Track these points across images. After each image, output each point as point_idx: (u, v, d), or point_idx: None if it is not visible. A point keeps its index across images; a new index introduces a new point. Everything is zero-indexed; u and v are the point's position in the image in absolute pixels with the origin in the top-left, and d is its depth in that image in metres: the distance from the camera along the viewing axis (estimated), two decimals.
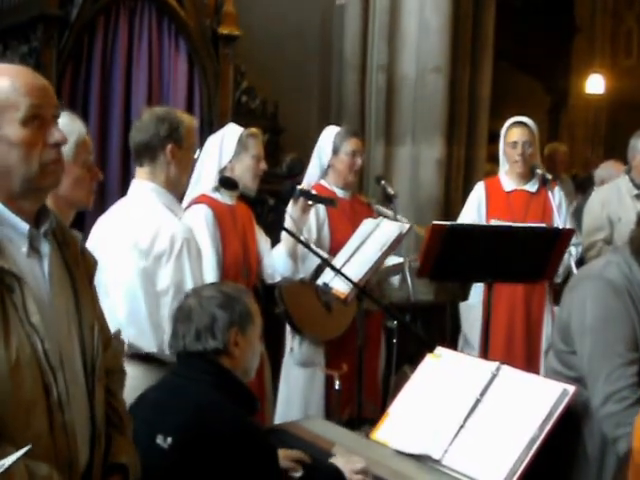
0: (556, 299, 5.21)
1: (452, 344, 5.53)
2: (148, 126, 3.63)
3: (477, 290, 5.38)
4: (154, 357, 3.47)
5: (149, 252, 3.44)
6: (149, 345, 3.45)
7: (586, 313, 3.02)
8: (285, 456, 2.96)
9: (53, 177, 2.13)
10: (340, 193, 5.04)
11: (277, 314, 4.75)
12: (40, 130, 2.07)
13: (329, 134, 5.06)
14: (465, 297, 5.56)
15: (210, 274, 4.12)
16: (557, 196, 5.32)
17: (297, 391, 4.92)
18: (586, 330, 3.01)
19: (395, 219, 4.93)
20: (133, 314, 3.45)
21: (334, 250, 4.75)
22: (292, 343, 4.95)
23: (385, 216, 4.94)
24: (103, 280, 3.49)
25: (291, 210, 4.39)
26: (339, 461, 2.91)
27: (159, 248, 3.44)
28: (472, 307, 5.44)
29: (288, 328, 4.93)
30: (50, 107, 2.12)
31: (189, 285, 3.44)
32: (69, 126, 2.97)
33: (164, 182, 3.63)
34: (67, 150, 2.93)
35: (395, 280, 5.04)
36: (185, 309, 2.93)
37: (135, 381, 3.14)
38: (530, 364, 5.07)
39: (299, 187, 4.39)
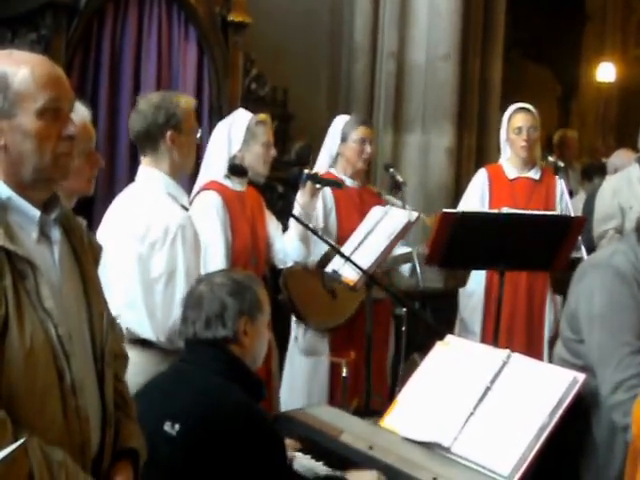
0: (556, 287, 5.22)
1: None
2: (145, 115, 3.63)
3: (476, 278, 5.37)
4: (151, 342, 3.48)
5: (144, 239, 3.45)
6: (146, 332, 3.46)
7: (594, 302, 3.01)
8: None
9: (64, 169, 2.14)
10: (349, 182, 5.02)
11: (280, 301, 4.73)
12: (55, 122, 2.08)
13: (339, 122, 5.05)
14: (464, 283, 5.55)
15: (219, 261, 4.13)
16: (559, 184, 5.30)
17: (301, 379, 4.91)
18: (594, 319, 3.00)
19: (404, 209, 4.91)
20: (131, 300, 3.46)
21: (341, 238, 4.75)
22: (296, 331, 4.94)
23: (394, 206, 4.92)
24: (107, 265, 3.51)
25: (299, 195, 4.40)
26: (351, 476, 2.90)
27: (153, 235, 3.45)
28: (471, 294, 5.44)
29: (293, 316, 4.93)
30: (66, 99, 2.14)
31: (181, 273, 3.44)
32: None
33: (169, 168, 3.63)
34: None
35: (405, 269, 5.01)
36: (196, 295, 2.93)
37: (135, 367, 3.15)
38: (532, 352, 5.05)
39: (306, 171, 4.39)
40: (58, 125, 2.09)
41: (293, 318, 4.93)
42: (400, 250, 4.81)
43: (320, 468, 3.01)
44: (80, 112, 3.10)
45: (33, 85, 2.05)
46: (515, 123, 5.33)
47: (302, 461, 3.02)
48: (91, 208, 4.87)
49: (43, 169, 2.08)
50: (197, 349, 2.90)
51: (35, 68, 2.08)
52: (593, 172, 7.74)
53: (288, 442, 3.05)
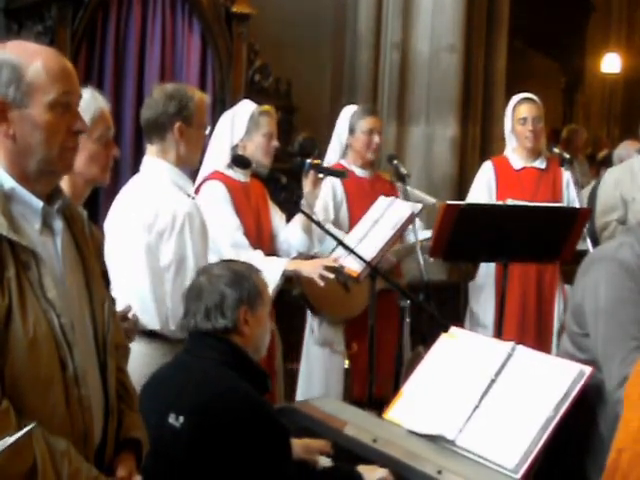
0: (566, 278, 5.21)
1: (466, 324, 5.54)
2: (157, 103, 3.63)
3: (485, 270, 5.38)
4: (158, 334, 3.48)
5: (152, 228, 3.45)
6: (152, 322, 3.46)
7: (599, 295, 2.99)
8: (308, 447, 2.98)
9: (68, 163, 2.16)
10: (359, 172, 5.02)
11: (294, 296, 4.74)
12: (64, 116, 2.10)
13: (346, 114, 5.04)
14: (473, 276, 5.55)
15: (239, 239, 4.17)
16: (566, 174, 5.30)
17: (318, 371, 4.93)
18: (600, 312, 2.98)
19: (420, 197, 4.93)
20: (137, 290, 3.46)
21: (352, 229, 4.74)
22: (312, 323, 4.95)
23: (412, 195, 4.91)
24: (112, 256, 3.50)
25: (303, 185, 4.40)
26: (361, 468, 2.89)
27: (161, 224, 3.45)
28: (482, 286, 5.44)
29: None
30: (76, 94, 2.16)
31: (191, 261, 3.45)
32: (88, 102, 2.97)
33: (174, 159, 3.63)
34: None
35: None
36: (195, 288, 2.94)
37: (141, 358, 3.16)
38: (542, 343, 5.07)
39: (309, 161, 4.39)
40: (67, 119, 2.10)
41: (308, 310, 4.94)
42: (422, 235, 4.79)
43: None
44: (99, 101, 3.12)
45: (46, 77, 2.06)
46: (520, 114, 5.34)
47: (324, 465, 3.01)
48: (96, 199, 4.89)
49: (49, 161, 2.09)
50: (200, 340, 2.91)
51: (48, 61, 2.09)
52: (611, 163, 7.71)
53: (320, 443, 3.04)
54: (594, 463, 3.00)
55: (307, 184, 4.39)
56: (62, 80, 2.09)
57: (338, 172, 4.66)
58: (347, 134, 5.00)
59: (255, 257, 4.00)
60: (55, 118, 2.07)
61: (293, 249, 4.50)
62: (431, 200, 4.80)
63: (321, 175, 4.42)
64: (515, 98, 5.42)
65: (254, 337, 2.93)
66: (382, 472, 2.85)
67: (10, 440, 1.79)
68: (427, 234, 4.84)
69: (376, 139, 4.97)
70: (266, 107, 4.46)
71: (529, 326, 5.29)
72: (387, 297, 4.65)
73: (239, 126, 4.36)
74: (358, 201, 4.91)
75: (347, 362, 4.50)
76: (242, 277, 2.93)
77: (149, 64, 5.51)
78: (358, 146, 4.98)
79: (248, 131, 4.35)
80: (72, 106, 2.12)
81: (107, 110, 3.17)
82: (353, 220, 4.85)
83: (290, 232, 4.47)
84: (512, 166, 5.43)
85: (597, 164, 8.29)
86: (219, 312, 2.87)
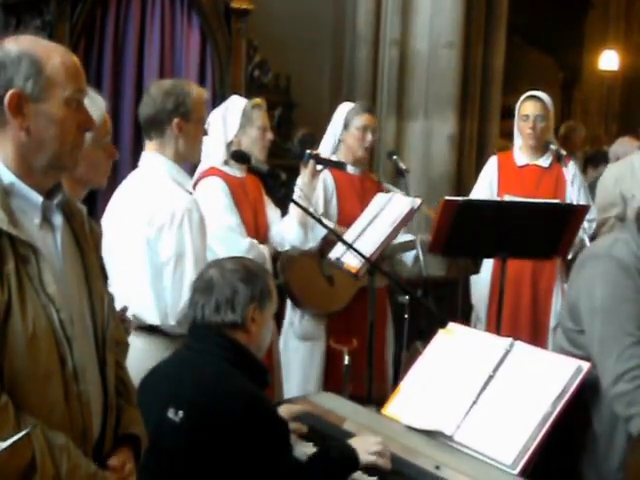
0: (568, 275, 5.22)
1: (464, 320, 5.54)
2: (155, 100, 3.62)
3: (485, 264, 5.39)
4: (157, 329, 3.49)
5: (151, 223, 3.45)
6: (152, 317, 3.46)
7: (595, 292, 2.99)
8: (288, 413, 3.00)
9: (76, 160, 2.18)
10: (350, 169, 5.00)
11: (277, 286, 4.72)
12: (76, 113, 2.12)
13: (342, 109, 5.05)
14: (477, 270, 5.56)
15: (240, 234, 4.20)
16: (571, 170, 5.31)
17: (296, 364, 4.90)
18: (595, 309, 2.99)
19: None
20: (136, 285, 3.46)
21: (341, 223, 4.76)
22: (292, 316, 4.93)
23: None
24: (112, 252, 3.51)
25: (301, 175, 4.40)
26: (355, 441, 2.90)
27: (161, 219, 3.45)
28: (478, 281, 5.46)
29: (288, 300, 4.90)
30: (85, 92, 2.19)
31: (190, 256, 3.44)
32: (91, 108, 2.96)
33: (173, 155, 3.62)
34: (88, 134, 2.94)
35: (408, 258, 5.00)
36: (206, 279, 2.92)
37: (140, 353, 3.17)
38: (537, 339, 5.07)
39: (308, 151, 4.39)
40: (79, 116, 2.13)
41: (288, 302, 4.92)
42: (403, 238, 4.82)
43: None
44: (99, 103, 3.10)
45: (64, 74, 2.09)
46: (523, 111, 5.38)
47: (301, 449, 3.01)
48: (94, 195, 4.88)
49: (59, 157, 2.11)
50: (202, 335, 2.90)
51: (64, 58, 2.12)
52: (599, 160, 7.73)
53: (294, 425, 3.04)
54: (589, 460, 3.02)
55: (305, 174, 4.39)
56: (76, 78, 2.12)
57: (338, 163, 4.66)
58: (341, 129, 5.00)
59: None
60: (69, 114, 2.10)
61: (286, 242, 4.51)
62: (417, 201, 4.77)
63: (320, 167, 4.43)
64: (523, 95, 5.45)
65: (258, 336, 2.93)
66: (376, 444, 2.86)
67: (5, 444, 1.80)
68: (407, 237, 4.86)
69: (369, 137, 4.95)
70: (257, 100, 4.47)
71: (523, 322, 5.30)
72: (378, 293, 4.65)
73: (232, 122, 4.37)
74: (348, 196, 4.92)
75: (347, 358, 4.49)
76: (255, 275, 2.93)
77: (148, 59, 5.51)
78: (350, 142, 4.97)
79: (242, 126, 4.37)
80: (82, 103, 2.15)
81: (106, 113, 3.16)
82: (342, 213, 4.88)
83: (286, 226, 4.47)
84: (515, 162, 5.46)
85: (583, 161, 8.27)
86: (229, 306, 2.86)
